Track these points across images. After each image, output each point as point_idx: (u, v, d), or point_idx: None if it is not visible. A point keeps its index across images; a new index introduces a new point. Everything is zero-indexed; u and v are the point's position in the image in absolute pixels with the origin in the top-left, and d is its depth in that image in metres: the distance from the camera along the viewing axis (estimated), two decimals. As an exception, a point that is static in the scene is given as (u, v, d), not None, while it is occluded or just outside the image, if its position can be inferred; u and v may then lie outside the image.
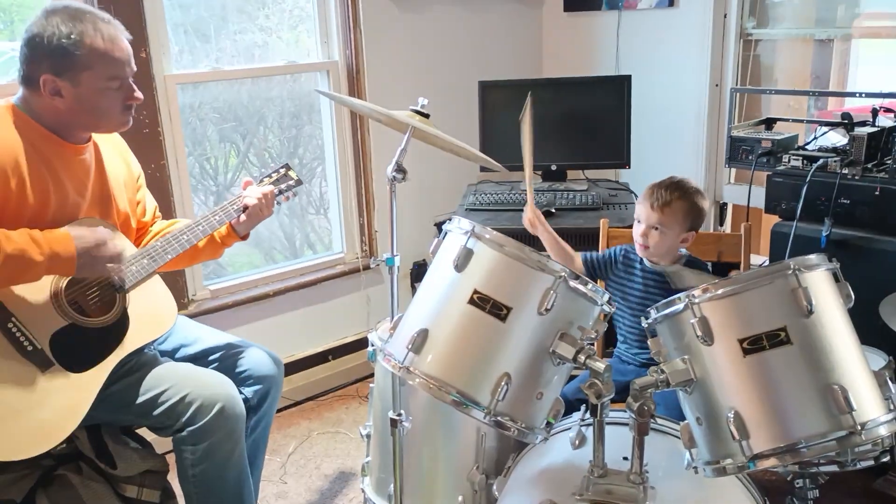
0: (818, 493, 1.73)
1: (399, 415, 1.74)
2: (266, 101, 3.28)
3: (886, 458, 1.63)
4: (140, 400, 1.85)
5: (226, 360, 2.08)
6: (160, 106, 2.75)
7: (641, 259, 2.16)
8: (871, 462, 1.65)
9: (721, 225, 3.37)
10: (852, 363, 1.35)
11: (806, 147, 2.62)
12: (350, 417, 3.16)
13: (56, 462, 1.82)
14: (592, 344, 1.49)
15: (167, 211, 2.73)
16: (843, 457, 1.53)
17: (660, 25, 3.33)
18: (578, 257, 2.23)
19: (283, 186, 2.18)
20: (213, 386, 1.88)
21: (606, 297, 1.50)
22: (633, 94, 3.13)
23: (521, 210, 2.90)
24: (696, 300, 1.39)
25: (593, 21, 3.56)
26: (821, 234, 2.36)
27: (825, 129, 2.65)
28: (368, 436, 2.13)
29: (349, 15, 3.15)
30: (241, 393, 1.98)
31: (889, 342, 1.90)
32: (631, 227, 2.21)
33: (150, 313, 1.89)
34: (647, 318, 1.52)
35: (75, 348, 1.77)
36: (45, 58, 1.70)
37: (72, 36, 1.69)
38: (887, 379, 1.38)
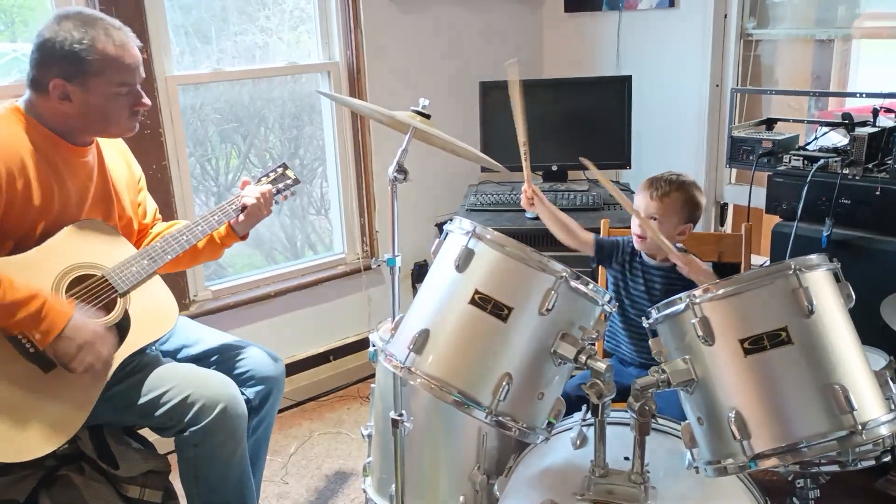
0: (819, 492, 1.73)
1: (400, 415, 1.74)
2: (267, 102, 3.28)
3: (887, 458, 1.63)
4: (142, 400, 1.85)
5: (227, 361, 2.08)
6: (161, 107, 2.75)
7: (641, 253, 2.17)
8: (872, 462, 1.65)
9: (722, 225, 3.37)
10: (853, 363, 1.36)
11: (807, 147, 2.62)
12: (351, 418, 3.16)
13: (58, 462, 1.82)
14: (593, 344, 1.49)
15: (168, 212, 2.73)
16: (844, 457, 1.53)
17: (660, 26, 3.33)
18: (589, 235, 2.23)
19: (280, 185, 2.19)
20: (216, 386, 1.88)
21: (608, 297, 1.51)
22: (633, 94, 3.13)
23: (522, 211, 2.93)
24: (697, 300, 1.40)
25: (594, 21, 3.56)
26: (821, 234, 2.36)
27: (826, 129, 2.65)
28: (370, 436, 2.13)
29: (350, 16, 3.15)
30: (242, 393, 1.98)
31: (890, 342, 1.90)
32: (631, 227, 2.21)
33: (151, 314, 1.89)
34: (647, 318, 1.53)
35: (78, 349, 1.77)
36: (57, 62, 1.72)
37: (84, 41, 1.71)
38: (888, 379, 1.39)
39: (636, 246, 2.14)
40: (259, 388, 2.08)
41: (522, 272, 1.45)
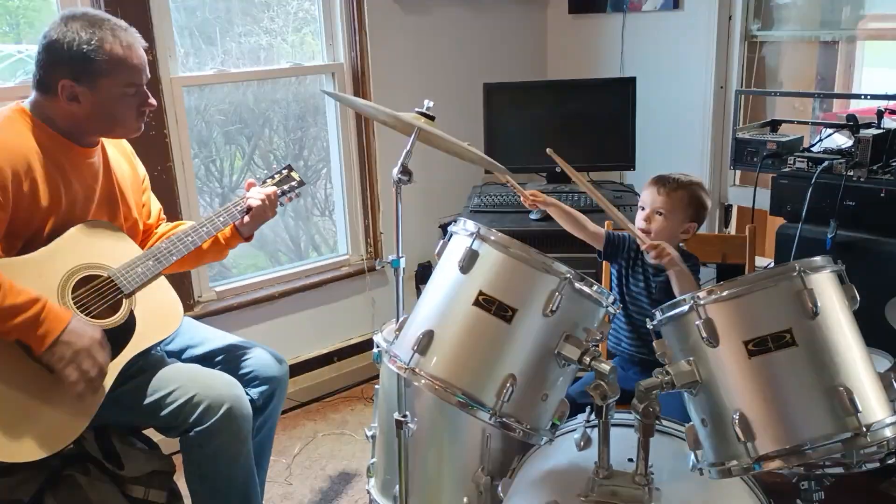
0: (823, 495, 1.73)
1: (404, 416, 1.74)
2: (271, 104, 3.29)
3: (892, 461, 1.63)
4: (147, 401, 1.85)
5: (232, 361, 2.09)
6: (166, 108, 2.76)
7: (643, 252, 2.16)
8: (877, 464, 1.65)
9: (726, 227, 3.37)
10: (858, 365, 1.35)
11: (811, 149, 2.62)
12: (355, 419, 3.16)
13: (63, 463, 1.82)
14: (597, 345, 1.49)
15: (173, 212, 2.74)
16: (849, 459, 1.53)
17: (664, 27, 3.33)
18: (600, 229, 2.22)
19: (285, 187, 2.19)
20: (220, 387, 1.89)
21: (612, 298, 1.51)
22: (637, 96, 3.13)
23: (526, 212, 2.93)
24: (702, 302, 1.40)
25: (598, 23, 3.57)
26: (826, 236, 2.36)
27: (830, 131, 2.65)
28: (374, 437, 2.14)
29: (354, 17, 3.16)
30: (246, 394, 1.98)
31: (894, 344, 1.90)
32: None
33: (156, 315, 1.90)
34: (652, 320, 1.53)
35: (83, 350, 1.77)
36: (65, 63, 1.72)
37: (92, 42, 1.72)
38: (892, 381, 1.38)
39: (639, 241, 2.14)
40: (263, 388, 2.08)
41: (526, 273, 1.45)
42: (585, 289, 1.46)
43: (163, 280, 1.95)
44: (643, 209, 2.11)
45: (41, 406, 1.70)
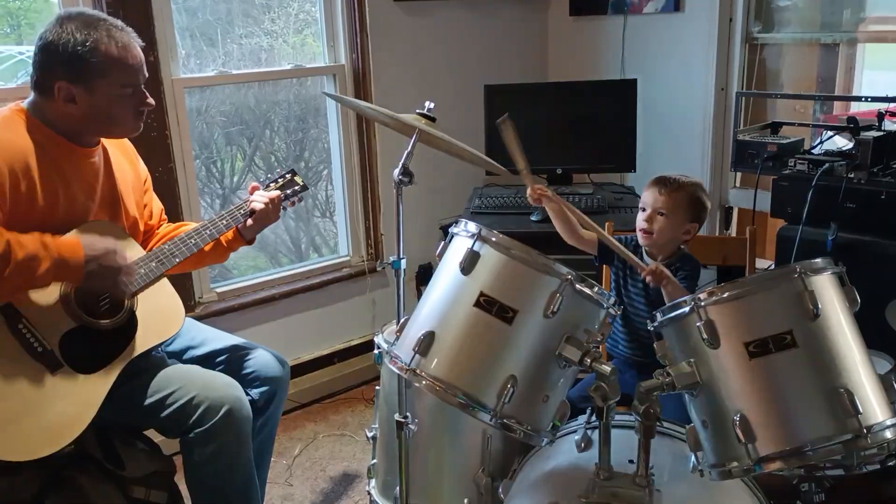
0: (824, 496, 1.73)
1: (405, 417, 1.74)
2: (272, 105, 3.29)
3: (893, 463, 1.63)
4: (148, 401, 1.86)
5: (233, 362, 2.09)
6: (168, 109, 2.76)
7: (642, 254, 2.17)
8: (878, 466, 1.65)
9: (727, 229, 3.37)
10: (858, 367, 1.35)
11: (812, 151, 2.62)
12: (356, 420, 3.16)
13: (64, 463, 1.82)
14: (598, 347, 1.49)
15: (174, 213, 2.74)
16: (849, 460, 1.53)
17: (665, 29, 3.33)
18: (592, 234, 2.22)
19: (289, 192, 2.19)
20: (221, 388, 1.89)
21: (612, 299, 1.51)
22: (638, 98, 3.14)
23: (527, 213, 2.93)
24: (703, 303, 1.40)
25: (599, 25, 3.57)
26: (826, 238, 2.36)
27: (831, 133, 2.65)
28: (374, 438, 2.14)
29: (356, 19, 3.16)
30: (247, 395, 1.99)
31: (895, 346, 1.90)
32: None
33: (158, 316, 1.90)
34: (652, 321, 1.53)
35: (84, 350, 1.78)
36: (60, 65, 1.72)
37: (87, 43, 1.71)
38: (893, 382, 1.38)
39: (641, 241, 2.14)
40: (264, 389, 2.08)
41: (527, 275, 1.46)
42: (586, 290, 1.46)
43: (165, 282, 1.96)
44: (644, 210, 2.11)
45: (41, 405, 1.70)
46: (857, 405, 1.30)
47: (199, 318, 2.57)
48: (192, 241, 1.99)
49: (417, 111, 1.79)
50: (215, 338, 2.16)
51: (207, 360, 2.09)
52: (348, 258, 3.43)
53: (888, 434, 1.32)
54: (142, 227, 2.08)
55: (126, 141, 2.05)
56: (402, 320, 1.61)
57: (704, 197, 2.11)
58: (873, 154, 2.37)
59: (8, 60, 2.69)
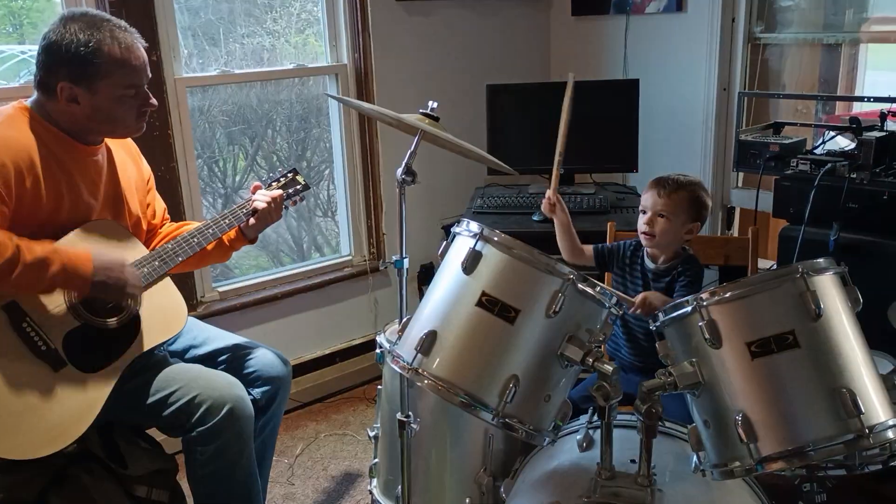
0: (825, 496, 1.73)
1: (407, 416, 1.74)
2: (274, 105, 3.30)
3: (895, 463, 1.63)
4: (151, 400, 1.86)
5: (235, 361, 2.09)
6: (170, 109, 2.77)
7: (643, 256, 2.17)
8: (880, 466, 1.64)
9: (729, 229, 3.37)
10: (860, 367, 1.35)
11: (814, 151, 2.62)
12: (357, 419, 3.17)
13: (67, 462, 1.83)
14: (600, 346, 1.49)
15: (177, 213, 2.75)
16: (851, 460, 1.52)
17: (668, 29, 3.33)
18: (589, 249, 2.24)
19: (290, 191, 2.20)
20: (223, 387, 1.89)
21: (614, 299, 1.51)
22: (640, 97, 3.13)
23: (529, 213, 2.93)
24: (705, 303, 1.40)
25: (601, 25, 3.57)
26: (829, 238, 2.36)
27: (833, 133, 2.65)
28: (376, 437, 2.14)
29: (358, 18, 3.16)
30: (249, 394, 1.99)
31: (897, 346, 1.90)
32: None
33: (161, 315, 1.90)
34: (654, 321, 1.53)
35: (88, 349, 1.78)
36: (63, 65, 1.72)
37: (90, 44, 1.71)
38: (895, 383, 1.39)
39: (644, 242, 2.14)
40: (266, 388, 2.08)
41: (530, 274, 1.46)
42: (588, 290, 1.46)
43: (168, 281, 1.96)
44: (644, 212, 2.11)
45: (44, 404, 1.70)
46: (859, 405, 1.30)
47: (201, 318, 2.57)
48: (195, 240, 1.99)
49: (421, 111, 1.79)
50: (217, 337, 2.16)
51: (210, 360, 2.09)
52: (350, 258, 3.43)
53: (890, 434, 1.32)
54: (145, 227, 2.08)
55: (129, 140, 2.05)
56: (404, 320, 1.61)
57: (704, 195, 2.11)
58: (875, 154, 2.37)
59: (10, 60, 2.69)
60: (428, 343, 1.46)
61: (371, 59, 3.21)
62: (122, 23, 1.80)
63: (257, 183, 2.17)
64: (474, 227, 1.51)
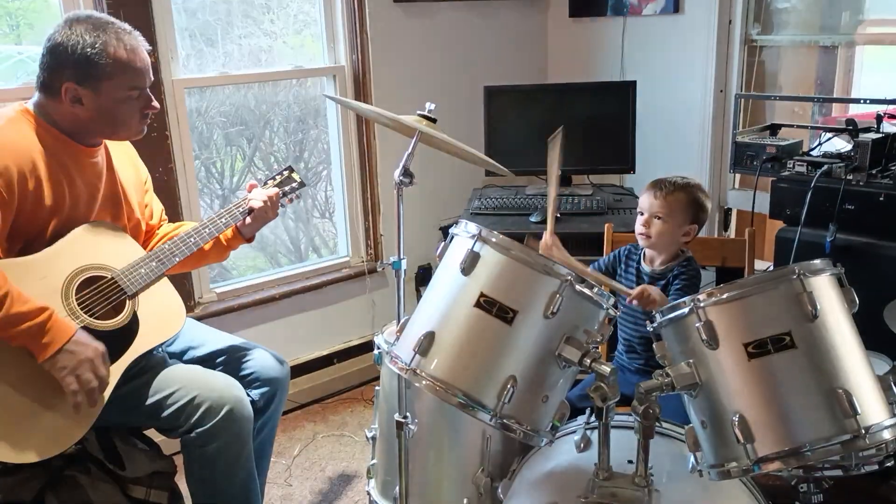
0: (822, 497, 1.73)
1: (405, 417, 1.75)
2: (272, 106, 3.30)
3: (891, 463, 1.63)
4: (149, 402, 1.86)
5: (233, 363, 2.09)
6: (168, 110, 2.77)
7: (639, 260, 2.18)
8: (876, 467, 1.65)
9: (725, 230, 3.38)
10: (857, 367, 1.36)
11: (810, 153, 2.63)
12: (355, 420, 3.17)
13: (65, 463, 1.83)
14: (598, 347, 1.50)
15: (174, 214, 2.75)
16: (848, 461, 1.53)
17: (664, 31, 3.34)
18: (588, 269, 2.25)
19: (286, 189, 2.20)
20: (222, 388, 1.89)
21: (612, 300, 1.51)
22: (637, 99, 3.14)
23: (526, 214, 2.94)
24: (702, 304, 1.40)
25: (598, 27, 3.57)
26: (825, 239, 2.37)
27: (830, 135, 2.65)
28: (374, 438, 2.14)
29: (356, 19, 3.17)
30: (247, 395, 1.99)
31: (893, 347, 1.91)
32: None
33: (159, 316, 1.90)
34: (652, 322, 1.53)
35: (86, 351, 1.77)
36: (69, 66, 1.73)
37: (96, 45, 1.73)
38: (891, 383, 1.39)
39: (641, 243, 2.15)
40: (264, 389, 2.08)
41: (528, 275, 1.46)
42: (586, 291, 1.46)
43: (165, 281, 1.96)
44: (642, 214, 2.11)
45: (44, 408, 1.70)
46: (855, 406, 1.30)
47: (199, 319, 2.57)
48: (192, 240, 1.99)
49: (418, 112, 1.79)
50: (215, 338, 2.16)
51: (208, 361, 2.09)
52: (348, 259, 3.44)
53: (886, 434, 1.33)
54: (143, 228, 2.08)
55: (127, 142, 2.06)
56: (402, 320, 1.62)
57: (703, 198, 2.11)
58: (872, 156, 2.38)
59: (7, 60, 2.69)
60: (426, 344, 1.46)
61: (368, 61, 3.22)
62: (126, 25, 1.81)
63: (253, 182, 2.17)
64: (472, 228, 1.51)
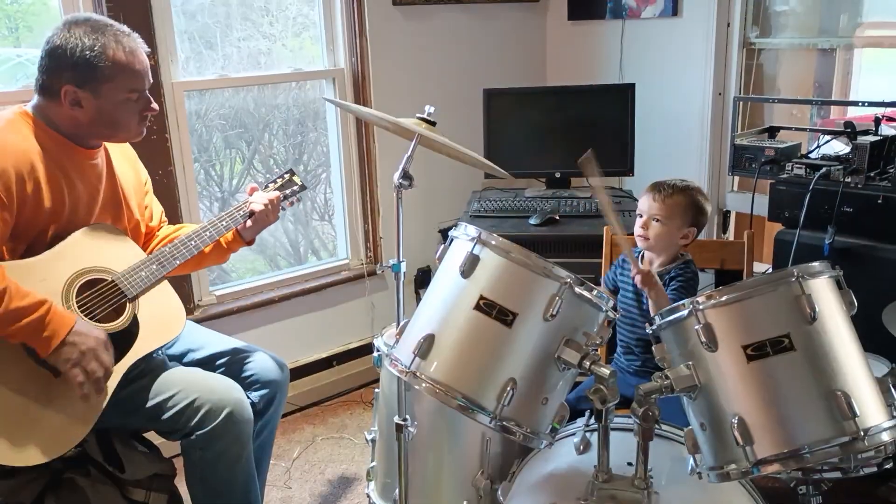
0: (821, 499, 1.74)
1: (404, 420, 1.75)
2: (271, 109, 3.30)
3: (890, 465, 1.64)
4: (149, 404, 1.86)
5: (233, 365, 2.10)
6: (168, 113, 2.77)
7: (641, 258, 2.18)
8: (875, 469, 1.65)
9: (724, 233, 3.38)
10: (855, 370, 1.36)
11: (809, 156, 2.63)
12: (354, 423, 3.17)
13: (65, 466, 1.83)
14: (597, 350, 1.50)
15: (174, 216, 2.75)
16: (846, 463, 1.53)
17: (663, 34, 3.35)
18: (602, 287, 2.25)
19: (287, 192, 2.20)
20: (222, 391, 1.89)
21: (611, 303, 1.52)
22: (636, 102, 3.15)
23: (526, 217, 2.94)
24: (701, 306, 1.41)
25: (597, 30, 3.58)
26: (824, 242, 2.37)
27: (828, 137, 2.66)
28: (373, 441, 2.14)
29: (355, 22, 3.17)
30: (247, 397, 1.99)
31: (891, 349, 1.91)
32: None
33: (159, 319, 1.91)
34: (651, 325, 1.53)
35: (87, 354, 1.78)
36: (68, 69, 1.73)
37: (95, 48, 1.73)
38: (890, 386, 1.39)
39: (639, 245, 2.15)
40: (264, 392, 2.09)
41: (527, 278, 1.46)
42: (585, 293, 1.47)
43: (166, 284, 1.96)
44: (640, 216, 2.12)
45: (44, 410, 1.70)
46: (854, 408, 1.31)
47: (198, 321, 2.57)
48: (193, 243, 1.99)
49: (418, 115, 1.80)
50: (215, 341, 2.17)
51: (207, 364, 2.10)
52: (347, 261, 3.44)
53: (885, 436, 1.33)
54: (143, 230, 2.09)
55: (127, 144, 2.06)
56: (401, 323, 1.62)
57: (703, 201, 2.12)
58: (870, 158, 2.38)
59: (6, 63, 2.69)
60: (426, 346, 1.46)
61: (368, 63, 3.22)
62: (126, 28, 1.81)
63: (254, 185, 2.17)
64: (472, 230, 1.52)
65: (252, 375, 2.09)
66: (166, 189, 2.74)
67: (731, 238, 3.36)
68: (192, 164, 2.93)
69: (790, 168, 2.56)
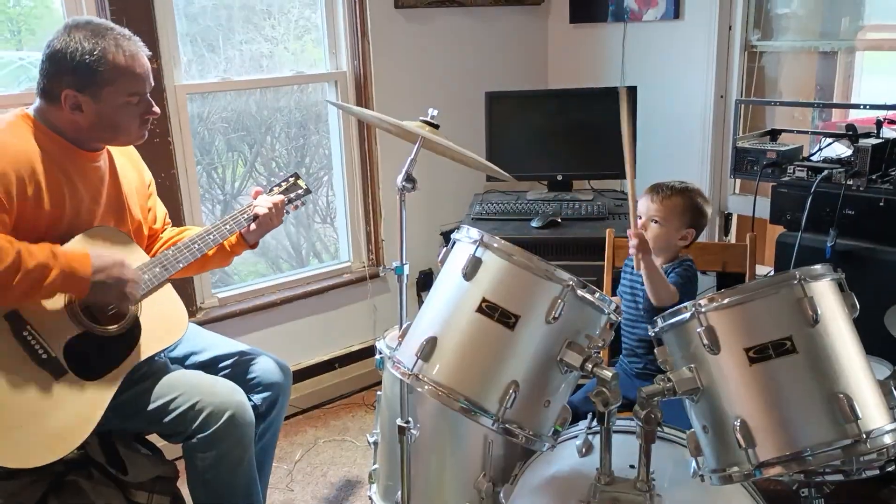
0: (823, 501, 1.74)
1: (407, 422, 1.75)
2: (274, 111, 3.30)
3: (892, 468, 1.64)
4: (151, 407, 1.86)
5: (235, 368, 2.10)
6: (170, 116, 2.78)
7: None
8: (877, 471, 1.66)
9: (726, 235, 3.38)
10: (857, 372, 1.37)
11: (811, 158, 2.63)
12: (356, 425, 3.17)
13: (67, 468, 1.83)
14: (599, 352, 1.50)
15: (176, 219, 2.75)
16: (849, 465, 1.53)
17: (665, 37, 3.35)
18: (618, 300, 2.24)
19: (292, 195, 2.21)
20: (224, 393, 1.90)
21: (613, 306, 1.52)
22: (638, 105, 3.15)
23: (528, 220, 2.94)
24: (703, 309, 1.41)
25: (599, 33, 3.59)
26: (826, 244, 2.38)
27: (830, 140, 2.66)
28: (376, 443, 2.14)
29: (357, 25, 3.18)
30: (249, 400, 1.99)
31: (893, 352, 1.91)
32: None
33: (161, 321, 1.91)
34: (653, 327, 1.54)
35: (89, 356, 1.78)
36: (68, 73, 1.73)
37: (95, 52, 1.72)
38: (892, 388, 1.40)
39: None
40: (266, 394, 2.09)
41: (529, 281, 1.47)
42: (588, 296, 1.47)
43: (168, 287, 1.96)
44: (640, 217, 2.12)
45: (46, 412, 1.70)
46: (856, 410, 1.31)
47: (201, 324, 2.58)
48: (196, 246, 2.00)
49: (421, 118, 1.80)
50: (217, 344, 2.17)
51: (210, 366, 2.10)
52: (349, 264, 3.44)
53: (887, 439, 1.33)
54: (146, 232, 2.09)
55: (130, 146, 2.06)
56: (404, 325, 1.62)
57: (702, 202, 2.12)
58: (872, 161, 2.38)
59: (9, 66, 2.69)
60: (428, 349, 1.47)
61: (370, 66, 3.23)
62: (126, 31, 1.81)
63: (258, 188, 2.17)
64: (474, 233, 1.52)
65: (254, 378, 2.09)
66: (169, 192, 2.75)
67: (733, 241, 3.36)
68: (195, 167, 2.93)
69: (792, 171, 2.56)
